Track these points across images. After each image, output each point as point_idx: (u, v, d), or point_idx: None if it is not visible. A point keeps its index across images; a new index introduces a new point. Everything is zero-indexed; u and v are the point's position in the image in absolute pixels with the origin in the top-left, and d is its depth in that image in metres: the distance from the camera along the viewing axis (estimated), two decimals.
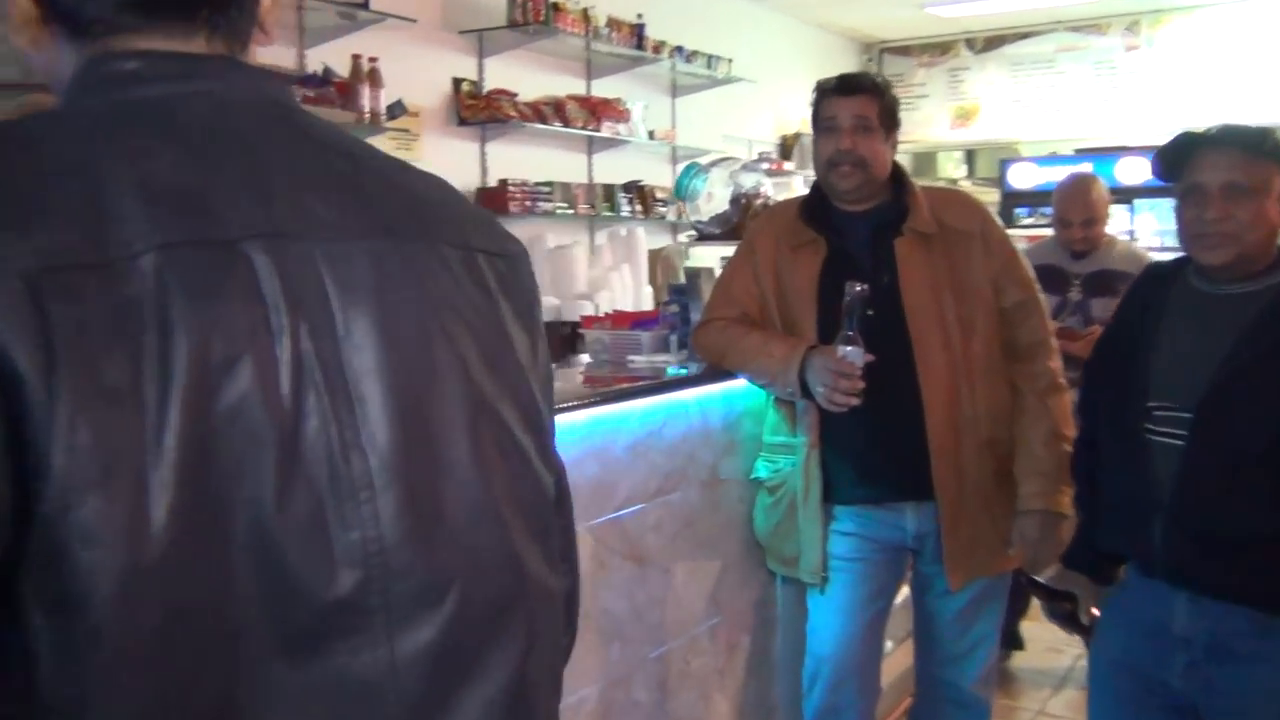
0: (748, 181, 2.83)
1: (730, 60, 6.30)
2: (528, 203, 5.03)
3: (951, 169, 9.41)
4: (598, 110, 5.45)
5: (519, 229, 5.13)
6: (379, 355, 0.75)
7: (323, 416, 0.72)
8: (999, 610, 2.41)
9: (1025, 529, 2.25)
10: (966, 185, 8.45)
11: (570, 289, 5.43)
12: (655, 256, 5.51)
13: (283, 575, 0.69)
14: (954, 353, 2.21)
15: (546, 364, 0.92)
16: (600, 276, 5.48)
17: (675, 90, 6.35)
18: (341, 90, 3.96)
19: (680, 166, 4.60)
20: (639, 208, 5.79)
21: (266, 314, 0.70)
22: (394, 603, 0.74)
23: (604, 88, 5.74)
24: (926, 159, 9.34)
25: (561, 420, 1.99)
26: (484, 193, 4.99)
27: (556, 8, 4.92)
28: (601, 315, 3.17)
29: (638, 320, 3.01)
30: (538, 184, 5.13)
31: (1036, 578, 2.27)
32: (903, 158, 8.83)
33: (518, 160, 5.17)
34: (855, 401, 2.12)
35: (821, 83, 2.32)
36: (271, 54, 3.98)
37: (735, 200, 2.79)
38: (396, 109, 4.11)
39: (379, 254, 0.77)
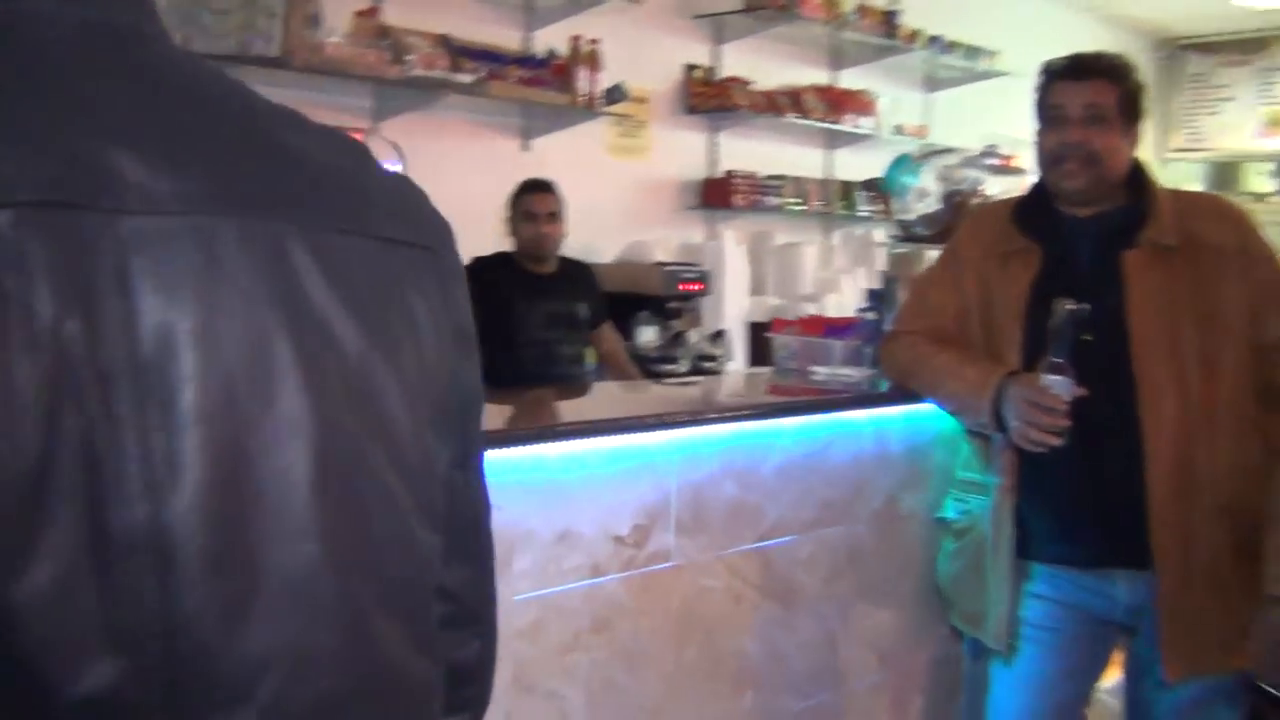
0: (967, 177, 2.48)
1: (995, 53, 5.79)
2: (755, 196, 4.79)
3: (1259, 182, 8.33)
4: (839, 102, 5.12)
5: (743, 223, 4.92)
6: (193, 368, 0.56)
7: (86, 446, 0.53)
8: (1235, 717, 1.96)
9: (1272, 620, 1.80)
10: (1276, 201, 7.44)
11: (795, 290, 5.16)
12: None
13: (17, 660, 0.52)
14: (1190, 395, 1.80)
15: (451, 386, 0.70)
16: (830, 279, 5.16)
17: (930, 84, 5.90)
18: (558, 72, 3.87)
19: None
20: (880, 208, 5.41)
21: (9, 303, 0.52)
22: (179, 700, 0.55)
23: (850, 79, 5.40)
24: (1228, 170, 8.31)
25: (693, 434, 1.76)
26: (708, 184, 4.79)
27: None
28: (794, 319, 2.89)
29: (832, 326, 2.72)
30: (767, 178, 4.88)
31: (1265, 685, 1.82)
32: (1198, 167, 7.92)
33: (749, 152, 4.94)
34: (1056, 441, 1.76)
35: (1048, 64, 1.95)
36: (496, 35, 3.95)
37: (948, 198, 2.44)
38: (615, 93, 3.98)
39: (215, 233, 0.58)
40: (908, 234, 2.60)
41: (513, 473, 1.47)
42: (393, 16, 3.63)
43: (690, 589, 1.78)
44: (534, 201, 3.28)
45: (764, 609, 1.91)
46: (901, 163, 2.58)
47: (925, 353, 2.05)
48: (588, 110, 3.92)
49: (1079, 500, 1.88)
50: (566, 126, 4.07)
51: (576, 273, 3.49)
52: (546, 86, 3.78)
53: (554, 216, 3.30)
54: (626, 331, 4.18)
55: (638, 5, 4.16)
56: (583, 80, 3.86)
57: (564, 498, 1.57)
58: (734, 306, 4.73)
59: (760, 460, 1.88)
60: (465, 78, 3.51)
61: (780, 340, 2.82)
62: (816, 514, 1.99)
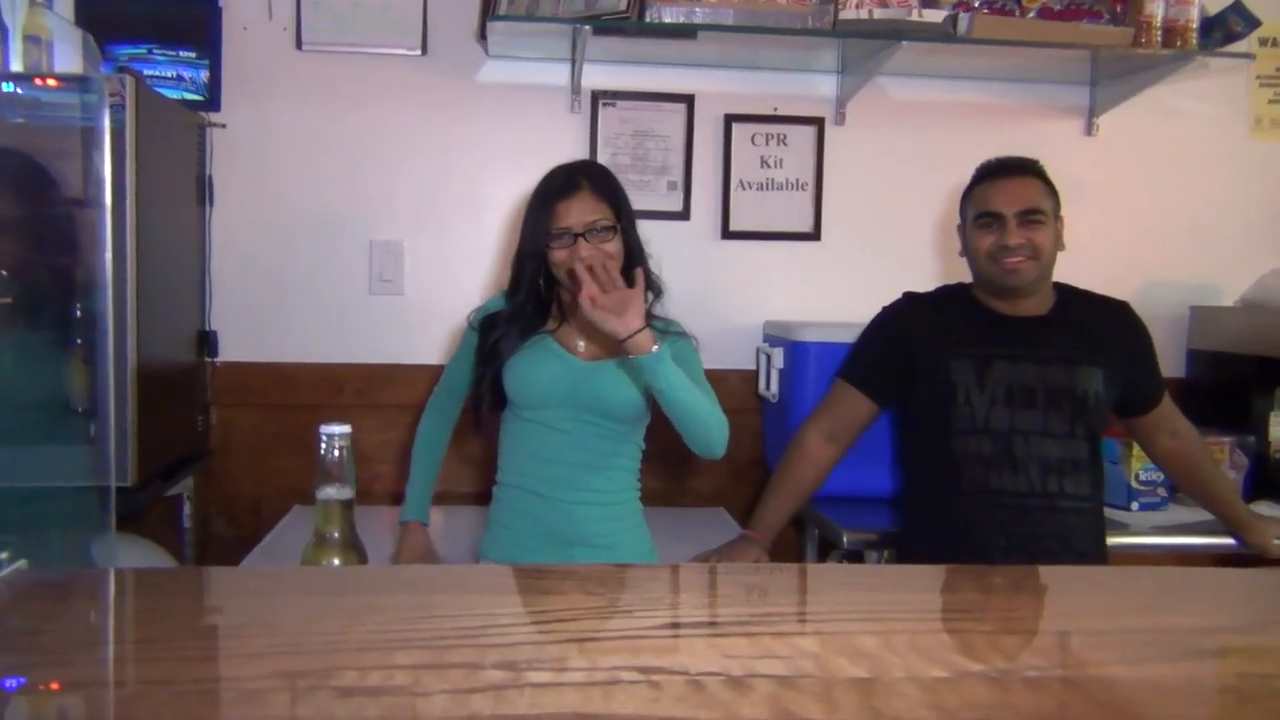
0: None
1: None
2: None
3: None
4: None
5: None
6: None
7: None
8: None
9: None
10: None
11: None
12: None
13: None
14: None
15: None
16: None
17: None
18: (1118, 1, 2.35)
19: None
20: None
21: None
22: None
23: None
24: None
25: None
26: None
27: None
28: None
29: None
30: None
31: None
32: None
33: None
34: None
35: None
36: None
37: None
38: (1235, 20, 2.31)
39: None
40: None
41: None
42: None
43: None
44: (996, 195, 1.91)
45: None
46: None
47: None
48: (1175, 52, 2.34)
49: None
50: (1149, 86, 2.52)
51: (1093, 318, 1.98)
52: (1093, 17, 2.31)
53: (1035, 219, 1.89)
54: (1248, 419, 2.50)
55: None
56: (1157, 6, 2.30)
57: None
58: None
59: None
60: (935, 15, 2.25)
61: None
62: None
